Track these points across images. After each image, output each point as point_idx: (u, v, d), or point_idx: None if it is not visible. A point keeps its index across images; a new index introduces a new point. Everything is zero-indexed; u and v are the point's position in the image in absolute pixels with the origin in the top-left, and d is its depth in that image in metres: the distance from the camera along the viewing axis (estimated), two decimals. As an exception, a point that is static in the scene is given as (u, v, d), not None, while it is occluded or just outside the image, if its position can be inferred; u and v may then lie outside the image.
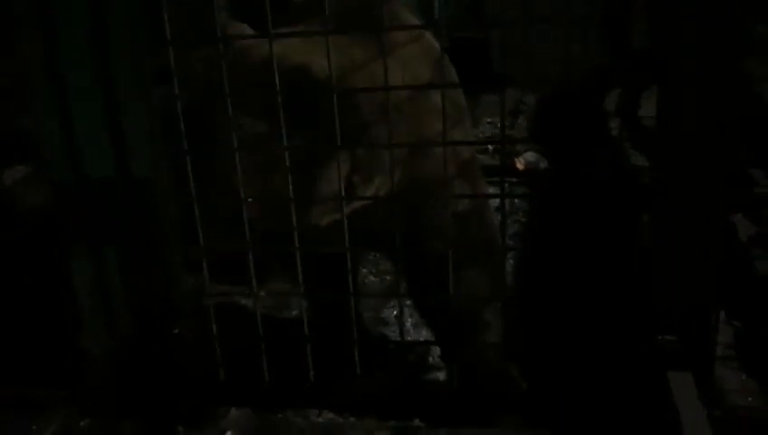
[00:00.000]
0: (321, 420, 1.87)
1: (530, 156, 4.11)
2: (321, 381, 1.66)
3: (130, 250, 1.70)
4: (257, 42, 1.78)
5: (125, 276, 1.71)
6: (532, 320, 2.44)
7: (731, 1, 1.41)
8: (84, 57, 1.55)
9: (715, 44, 1.43)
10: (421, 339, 2.53)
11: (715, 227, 1.56)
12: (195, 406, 1.74)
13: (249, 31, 1.88)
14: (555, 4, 1.77)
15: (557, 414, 1.92)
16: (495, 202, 2.41)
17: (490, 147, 4.14)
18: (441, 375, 2.38)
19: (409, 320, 2.60)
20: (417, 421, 1.86)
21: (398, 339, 2.44)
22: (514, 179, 3.88)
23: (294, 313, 2.66)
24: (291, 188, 1.54)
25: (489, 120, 4.69)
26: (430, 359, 2.46)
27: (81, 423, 1.72)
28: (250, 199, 1.60)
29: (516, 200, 3.59)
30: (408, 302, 2.39)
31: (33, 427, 1.72)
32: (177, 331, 1.71)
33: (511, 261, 2.86)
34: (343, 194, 1.69)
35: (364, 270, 3.02)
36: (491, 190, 2.41)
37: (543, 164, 4.06)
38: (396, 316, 2.69)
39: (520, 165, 4.05)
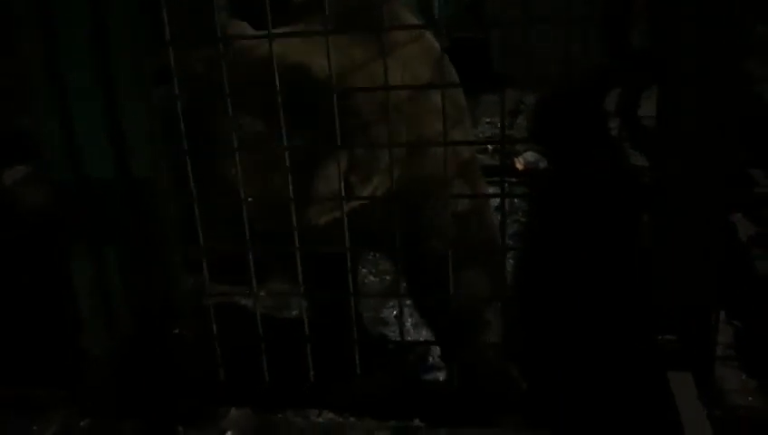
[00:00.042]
0: (321, 420, 1.87)
1: (529, 156, 4.11)
2: (321, 381, 1.66)
3: (130, 250, 1.70)
4: (257, 41, 1.78)
5: (125, 276, 1.71)
6: (532, 320, 2.44)
7: (731, 1, 1.41)
8: (84, 57, 1.55)
9: (715, 44, 1.43)
10: (421, 339, 2.53)
11: (715, 227, 1.56)
12: (195, 406, 1.74)
13: (249, 29, 1.88)
14: (555, 4, 1.77)
15: (557, 414, 1.92)
16: (495, 202, 2.41)
17: (489, 147, 4.14)
18: (441, 375, 2.38)
19: (409, 320, 2.60)
20: (417, 421, 1.86)
21: (398, 339, 2.44)
22: (514, 179, 3.88)
23: (294, 313, 2.65)
24: (291, 187, 1.54)
25: (488, 120, 4.70)
26: (430, 359, 2.46)
27: (82, 423, 1.72)
28: (250, 199, 1.59)
29: (516, 200, 3.59)
30: (408, 302, 2.39)
31: (34, 427, 1.72)
32: (177, 331, 1.71)
33: (511, 261, 2.86)
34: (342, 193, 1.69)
35: (364, 270, 3.02)
36: (491, 190, 2.41)
37: (543, 164, 4.06)
38: (396, 316, 2.69)
39: (519, 165, 4.05)
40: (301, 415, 1.84)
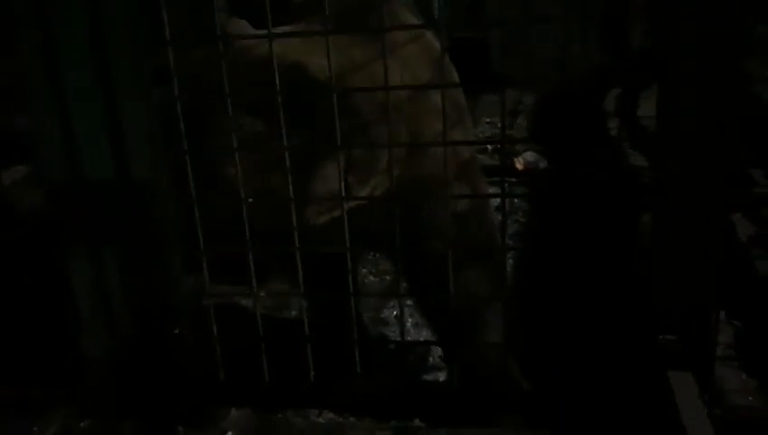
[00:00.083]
0: (321, 420, 1.87)
1: (529, 156, 4.11)
2: (322, 382, 1.66)
3: (130, 250, 1.69)
4: (256, 40, 1.78)
5: (124, 277, 1.71)
6: (533, 320, 2.43)
7: (731, 1, 1.41)
8: (84, 57, 1.55)
9: (715, 44, 1.43)
10: (421, 339, 2.52)
11: (715, 227, 1.55)
12: (195, 406, 1.73)
13: (249, 28, 1.87)
14: (554, 4, 1.77)
15: (557, 414, 1.92)
16: (495, 202, 2.41)
17: (489, 147, 4.14)
18: (441, 375, 2.38)
19: (409, 320, 2.60)
20: (417, 422, 1.86)
21: (399, 339, 2.44)
22: (514, 179, 3.88)
23: (294, 313, 2.65)
24: (291, 187, 1.54)
25: (488, 120, 4.70)
26: (430, 359, 2.46)
27: (82, 424, 1.72)
28: (250, 200, 1.59)
29: (516, 200, 3.59)
30: (409, 302, 2.39)
31: (35, 428, 1.72)
32: (177, 331, 1.71)
33: (511, 261, 2.86)
34: (338, 195, 1.68)
35: (364, 270, 3.02)
36: (491, 190, 2.41)
37: (543, 164, 4.07)
38: (396, 316, 2.68)
39: (519, 165, 4.05)
40: (301, 415, 1.84)
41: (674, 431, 1.44)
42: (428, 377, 2.39)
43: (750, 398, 1.88)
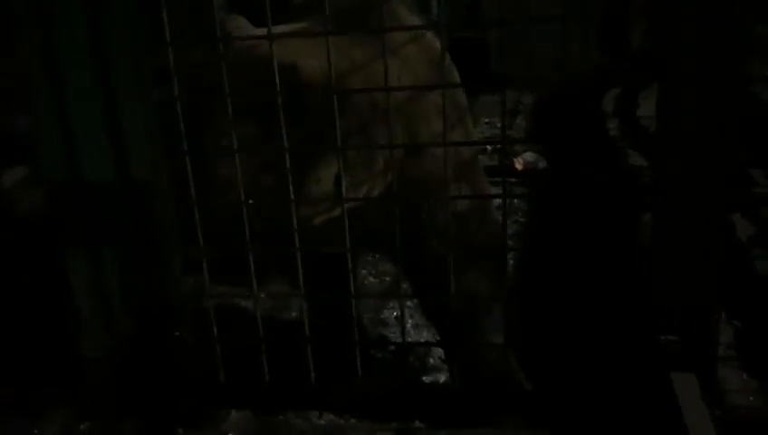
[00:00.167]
0: (321, 421, 1.86)
1: (529, 156, 4.11)
2: (322, 383, 1.66)
3: (130, 251, 1.69)
4: (253, 40, 1.77)
5: (124, 277, 1.71)
6: (533, 320, 2.43)
7: (731, 1, 1.41)
8: (84, 57, 1.55)
9: (715, 44, 1.43)
10: (422, 340, 2.52)
11: (715, 227, 1.56)
12: (195, 407, 1.73)
13: (248, 25, 1.87)
14: (554, 4, 1.77)
15: (558, 415, 1.91)
16: (496, 202, 2.40)
17: (488, 147, 4.14)
18: (442, 377, 2.38)
19: (410, 321, 2.59)
20: (417, 423, 1.86)
21: (399, 340, 2.44)
22: (513, 180, 3.88)
23: (294, 314, 2.65)
24: (291, 188, 1.54)
25: (487, 120, 4.69)
26: (431, 360, 2.46)
27: (82, 426, 1.72)
28: (251, 202, 1.59)
29: (515, 201, 3.59)
30: (409, 303, 2.39)
31: (35, 431, 1.72)
32: (177, 333, 1.71)
33: (511, 261, 2.86)
34: (333, 196, 1.68)
35: (363, 271, 3.01)
36: (491, 190, 2.40)
37: (542, 164, 4.06)
38: (396, 317, 2.68)
39: (519, 165, 4.05)
40: (301, 417, 1.83)
41: (677, 433, 1.43)
42: (429, 378, 2.39)
43: (751, 398, 1.88)
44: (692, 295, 1.60)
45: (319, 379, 1.64)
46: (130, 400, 1.74)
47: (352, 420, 1.88)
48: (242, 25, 1.88)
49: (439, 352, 2.43)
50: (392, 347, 2.54)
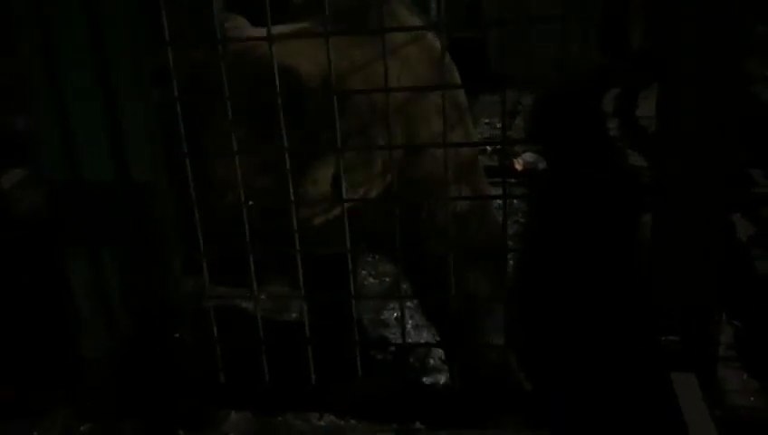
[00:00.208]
0: (321, 422, 1.86)
1: (528, 156, 4.10)
2: (322, 384, 1.66)
3: (129, 251, 1.69)
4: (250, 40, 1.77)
5: (124, 278, 1.71)
6: (533, 320, 2.43)
7: (731, 1, 1.41)
8: (84, 57, 1.55)
9: (715, 44, 1.43)
10: (422, 341, 2.52)
11: (715, 227, 1.55)
12: (195, 408, 1.73)
13: (247, 25, 1.86)
14: (554, 4, 1.77)
15: (558, 415, 1.91)
16: (495, 202, 2.40)
17: (488, 147, 4.14)
18: (442, 378, 2.37)
19: (410, 322, 2.59)
20: (417, 424, 1.85)
21: (399, 341, 2.43)
22: (513, 180, 3.88)
23: (294, 315, 2.65)
24: (291, 189, 1.53)
25: (487, 120, 4.69)
26: (431, 361, 2.45)
27: (82, 428, 1.72)
28: (251, 203, 1.58)
29: (515, 201, 3.59)
30: (409, 304, 2.39)
31: (35, 433, 1.72)
32: (177, 334, 1.70)
33: (511, 262, 2.86)
34: (330, 197, 1.67)
35: (363, 272, 3.01)
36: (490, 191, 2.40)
37: (542, 165, 4.06)
38: (396, 318, 2.68)
39: (518, 166, 4.05)
40: (301, 418, 1.83)
41: (677, 433, 1.43)
42: (429, 379, 2.39)
43: (751, 398, 1.88)
44: (692, 295, 1.60)
45: (319, 380, 1.64)
46: (130, 400, 1.74)
47: (352, 421, 1.88)
48: (240, 25, 1.87)
49: (439, 352, 2.43)
50: (392, 348, 2.54)
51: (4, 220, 2.76)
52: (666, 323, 1.61)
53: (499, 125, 4.52)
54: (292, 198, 1.54)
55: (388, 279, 2.98)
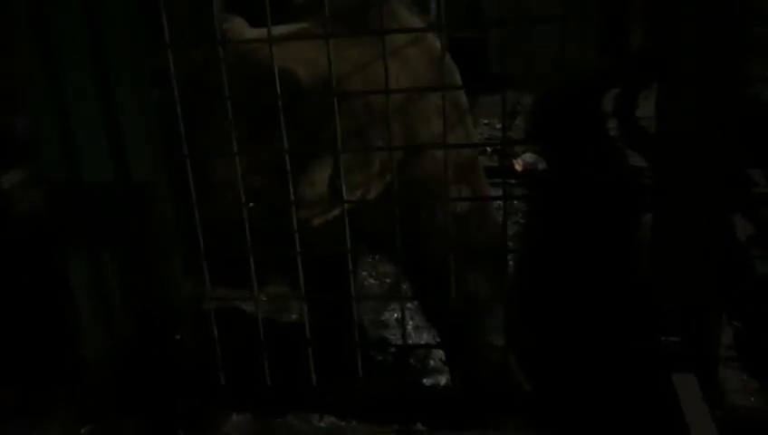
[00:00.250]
0: (322, 424, 1.86)
1: (528, 157, 4.11)
2: (323, 385, 1.66)
3: (130, 252, 1.69)
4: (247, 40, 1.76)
5: (124, 278, 1.70)
6: (534, 321, 2.43)
7: (731, 1, 1.41)
8: (83, 58, 1.54)
9: (715, 45, 1.43)
10: (422, 342, 2.52)
11: (714, 227, 1.55)
12: (196, 410, 1.73)
13: (246, 25, 1.86)
14: (554, 4, 1.77)
15: (559, 416, 1.91)
16: (496, 203, 2.40)
17: (488, 148, 4.14)
18: (442, 378, 2.37)
19: (410, 323, 2.59)
20: (418, 425, 1.85)
21: (400, 342, 2.43)
22: (513, 181, 3.88)
23: (294, 316, 2.65)
24: (291, 190, 1.53)
25: (486, 121, 4.69)
26: (431, 362, 2.45)
27: (82, 431, 1.72)
28: (251, 204, 1.58)
29: (515, 202, 3.59)
30: (409, 305, 2.39)
31: (35, 433, 1.71)
32: (178, 336, 1.70)
33: (511, 263, 2.86)
34: (328, 198, 1.67)
35: (364, 273, 3.01)
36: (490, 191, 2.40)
37: (542, 165, 4.06)
38: (396, 319, 2.68)
39: (518, 166, 4.05)
40: (302, 419, 1.83)
41: (678, 433, 1.43)
42: (429, 380, 2.39)
43: (752, 398, 1.88)
44: (692, 296, 1.60)
45: (319, 381, 1.64)
46: (131, 401, 1.74)
47: (353, 423, 1.87)
48: (238, 26, 1.87)
49: (440, 353, 2.43)
50: (393, 349, 2.54)
51: (4, 220, 2.76)
52: (666, 324, 1.61)
53: (499, 125, 4.53)
54: (293, 198, 1.54)
55: (388, 280, 2.98)
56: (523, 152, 4.14)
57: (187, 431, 1.68)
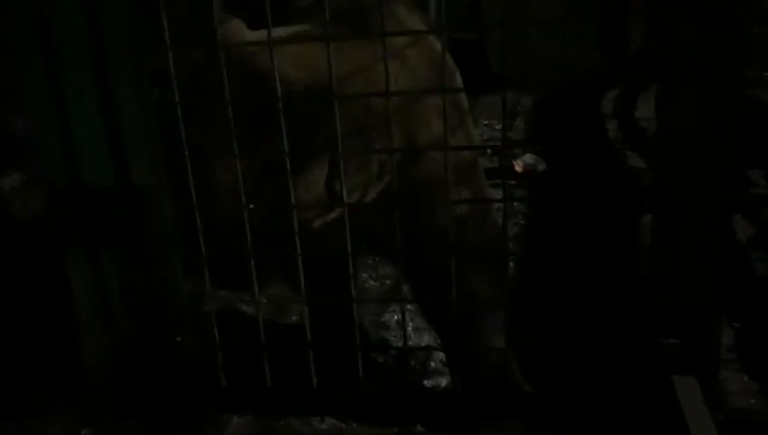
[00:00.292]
0: (323, 426, 1.85)
1: (528, 158, 4.11)
2: (324, 387, 1.65)
3: (130, 253, 1.69)
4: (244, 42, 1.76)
5: (124, 280, 1.70)
6: (534, 323, 2.43)
7: (731, 1, 1.41)
8: (83, 57, 1.54)
9: (715, 45, 1.43)
10: (422, 344, 2.52)
11: (714, 227, 1.55)
12: (196, 412, 1.72)
13: (244, 27, 1.86)
14: (554, 4, 1.77)
15: (559, 418, 1.91)
16: (496, 204, 2.40)
17: (488, 149, 4.14)
18: (443, 380, 2.37)
19: (410, 324, 2.59)
20: (419, 427, 1.85)
21: (400, 345, 2.43)
22: (513, 182, 3.88)
23: (295, 318, 2.65)
24: (291, 193, 1.53)
25: (486, 121, 4.69)
26: (432, 364, 2.45)
27: (82, 432, 1.71)
28: (252, 206, 1.58)
29: (515, 203, 3.59)
30: (410, 306, 2.39)
31: (34, 434, 1.71)
32: (178, 338, 1.70)
33: (511, 264, 2.86)
34: (326, 200, 1.67)
35: (364, 275, 3.01)
36: (491, 192, 2.40)
37: (542, 166, 4.06)
38: (397, 321, 2.68)
39: (518, 167, 4.05)
40: (303, 421, 1.83)
41: (679, 435, 1.43)
42: (430, 382, 2.39)
43: (752, 400, 1.87)
44: (692, 297, 1.59)
45: (320, 383, 1.64)
46: (131, 402, 1.74)
47: (354, 424, 1.87)
48: (237, 28, 1.87)
49: (440, 355, 2.43)
50: (393, 351, 2.54)
51: (3, 221, 2.75)
52: (666, 326, 1.60)
53: (498, 126, 4.53)
54: (293, 201, 1.54)
55: (388, 282, 2.98)
56: (524, 153, 4.14)
57: (187, 433, 1.68)
